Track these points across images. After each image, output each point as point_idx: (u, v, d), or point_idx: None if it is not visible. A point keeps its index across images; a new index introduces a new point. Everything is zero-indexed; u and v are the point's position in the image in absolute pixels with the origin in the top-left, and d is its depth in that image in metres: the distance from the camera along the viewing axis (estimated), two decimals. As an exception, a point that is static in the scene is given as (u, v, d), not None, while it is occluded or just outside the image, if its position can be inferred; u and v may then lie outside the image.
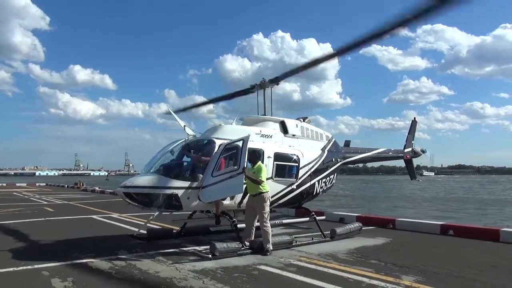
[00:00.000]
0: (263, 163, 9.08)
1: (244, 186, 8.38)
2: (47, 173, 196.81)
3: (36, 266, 7.17)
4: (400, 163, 16.49)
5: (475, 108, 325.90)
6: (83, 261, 7.63)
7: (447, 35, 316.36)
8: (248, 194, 8.58)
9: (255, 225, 8.59)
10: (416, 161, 16.81)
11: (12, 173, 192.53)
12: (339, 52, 8.99)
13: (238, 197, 8.77)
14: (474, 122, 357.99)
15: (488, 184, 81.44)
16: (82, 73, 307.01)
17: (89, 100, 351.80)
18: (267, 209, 8.47)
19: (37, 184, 53.41)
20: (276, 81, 10.57)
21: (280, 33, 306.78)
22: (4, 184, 52.12)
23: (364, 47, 8.28)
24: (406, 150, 15.78)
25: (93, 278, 6.50)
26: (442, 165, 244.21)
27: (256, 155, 8.68)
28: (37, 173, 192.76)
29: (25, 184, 53.28)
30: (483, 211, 26.66)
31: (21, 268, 7.05)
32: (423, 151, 16.49)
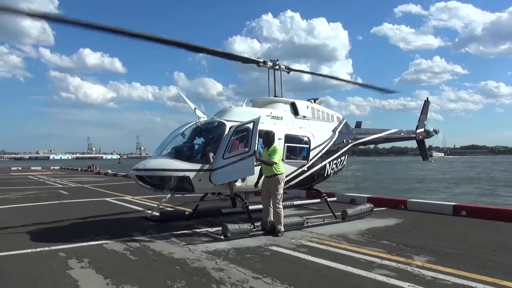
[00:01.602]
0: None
1: (258, 168, 8.40)
2: (60, 157, 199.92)
3: (53, 247, 7.35)
4: (412, 143, 16.33)
5: (489, 87, 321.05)
6: (98, 242, 7.80)
7: (462, 12, 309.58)
8: (264, 175, 8.62)
9: (271, 206, 8.67)
10: (428, 142, 16.64)
11: (27, 157, 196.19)
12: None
13: (250, 178, 8.79)
14: (488, 102, 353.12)
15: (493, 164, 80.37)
16: (92, 57, 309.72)
17: (100, 84, 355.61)
18: (281, 190, 8.52)
19: (51, 168, 54.34)
20: (287, 70, 10.45)
21: (289, 13, 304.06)
22: (20, 168, 53.22)
23: None
24: (418, 131, 15.60)
25: (108, 259, 6.65)
26: (454, 145, 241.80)
27: (270, 138, 8.65)
28: (51, 157, 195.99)
29: (40, 168, 54.25)
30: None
31: (38, 249, 7.24)
32: (436, 132, 16.29)
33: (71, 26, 7.73)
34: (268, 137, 8.62)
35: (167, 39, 8.72)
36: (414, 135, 15.51)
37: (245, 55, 10.58)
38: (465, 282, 5.26)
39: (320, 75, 9.14)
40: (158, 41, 8.69)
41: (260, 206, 8.88)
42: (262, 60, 10.19)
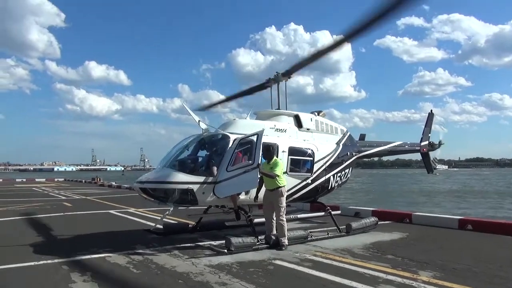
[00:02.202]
0: (277, 157, 9.12)
1: (259, 180, 8.40)
2: (65, 169, 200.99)
3: (56, 260, 7.33)
4: (417, 156, 16.25)
5: (493, 99, 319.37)
6: (101, 255, 7.77)
7: (464, 25, 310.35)
8: (265, 189, 8.59)
9: (274, 219, 8.62)
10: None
11: (32, 168, 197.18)
12: (348, 36, 8.58)
13: (253, 191, 8.78)
14: (492, 114, 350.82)
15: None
16: (97, 69, 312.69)
17: (105, 96, 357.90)
18: (284, 203, 8.48)
19: (55, 180, 54.51)
20: (288, 74, 10.46)
21: (293, 25, 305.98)
22: (24, 180, 53.36)
23: (374, 28, 7.77)
24: (422, 143, 15.54)
25: (111, 272, 6.61)
26: (459, 158, 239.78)
27: (270, 152, 8.63)
28: (55, 169, 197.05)
29: (44, 180, 54.41)
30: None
31: (41, 262, 7.22)
32: (441, 144, 16.21)
33: None
34: (269, 151, 8.59)
35: None
36: (419, 148, 15.45)
37: (254, 85, 11.27)
38: (472, 298, 5.17)
39: (314, 56, 9.05)
40: None
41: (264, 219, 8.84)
42: (265, 81, 10.46)
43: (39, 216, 14.37)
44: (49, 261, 7.27)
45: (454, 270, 6.55)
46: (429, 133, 15.91)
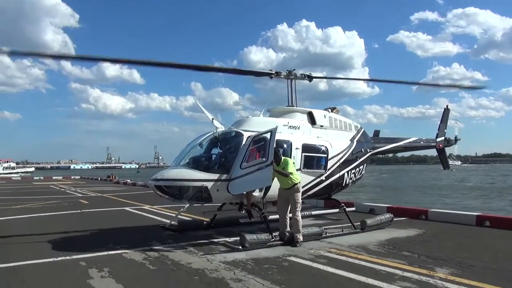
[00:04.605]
0: (291, 155, 9.12)
1: (273, 179, 8.39)
2: (81, 167, 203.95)
3: (74, 256, 7.46)
4: (432, 152, 15.99)
5: (511, 94, 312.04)
6: (118, 252, 7.88)
7: (480, 18, 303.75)
8: (279, 186, 8.59)
9: (288, 216, 8.61)
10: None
11: (49, 166, 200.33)
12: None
13: (267, 189, 8.78)
14: (510, 109, 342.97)
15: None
16: (111, 69, 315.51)
17: (119, 95, 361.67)
18: (300, 199, 8.56)
19: (72, 177, 55.32)
20: (309, 78, 10.57)
21: (304, 22, 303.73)
22: (42, 178, 54.37)
23: None
24: (438, 139, 15.27)
25: (128, 269, 6.71)
26: (476, 153, 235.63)
27: (278, 155, 8.48)
28: (71, 167, 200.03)
29: (61, 177, 55.32)
30: None
31: (60, 258, 7.37)
32: (456, 139, 15.94)
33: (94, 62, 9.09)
34: (276, 155, 8.40)
35: (184, 64, 10.08)
36: (434, 144, 15.20)
37: (257, 69, 10.93)
38: (491, 296, 5.09)
39: (345, 78, 9.26)
40: (176, 66, 10.23)
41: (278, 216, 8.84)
42: (274, 72, 10.21)
43: (56, 213, 14.63)
44: (67, 257, 7.41)
45: (472, 267, 6.46)
46: (445, 129, 15.64)
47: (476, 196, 31.34)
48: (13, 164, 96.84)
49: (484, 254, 7.38)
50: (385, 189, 39.01)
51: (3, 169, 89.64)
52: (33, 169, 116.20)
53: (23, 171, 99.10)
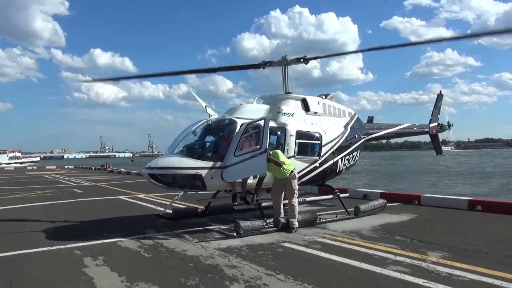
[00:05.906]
0: (285, 142, 9.15)
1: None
2: (74, 156, 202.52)
3: (68, 245, 7.46)
4: (425, 137, 16.10)
5: (503, 79, 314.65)
6: (112, 240, 7.89)
7: (473, 3, 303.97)
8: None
9: (282, 202, 8.65)
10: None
11: (42, 156, 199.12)
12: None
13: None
14: (503, 94, 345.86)
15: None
16: (102, 57, 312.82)
17: (111, 83, 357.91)
18: (297, 185, 8.62)
19: (65, 167, 55.14)
20: (305, 61, 10.38)
21: (297, 8, 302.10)
22: (35, 167, 54.12)
23: None
24: (431, 125, 15.37)
25: (123, 257, 6.72)
26: (469, 138, 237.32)
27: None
28: (65, 156, 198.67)
29: (54, 167, 55.10)
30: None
31: (54, 247, 7.36)
32: (449, 125, 16.04)
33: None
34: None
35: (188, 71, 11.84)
36: (428, 130, 15.29)
37: (249, 63, 10.92)
38: (482, 279, 5.18)
39: (341, 54, 9.22)
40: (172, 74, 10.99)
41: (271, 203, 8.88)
42: (264, 62, 10.20)
43: (50, 202, 14.58)
44: (61, 246, 7.40)
45: (464, 251, 6.55)
46: (438, 114, 15.71)
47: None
48: (18, 154, 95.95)
49: (476, 238, 7.47)
50: (378, 174, 39.31)
51: (9, 159, 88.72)
52: (38, 158, 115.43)
53: (29, 160, 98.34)
